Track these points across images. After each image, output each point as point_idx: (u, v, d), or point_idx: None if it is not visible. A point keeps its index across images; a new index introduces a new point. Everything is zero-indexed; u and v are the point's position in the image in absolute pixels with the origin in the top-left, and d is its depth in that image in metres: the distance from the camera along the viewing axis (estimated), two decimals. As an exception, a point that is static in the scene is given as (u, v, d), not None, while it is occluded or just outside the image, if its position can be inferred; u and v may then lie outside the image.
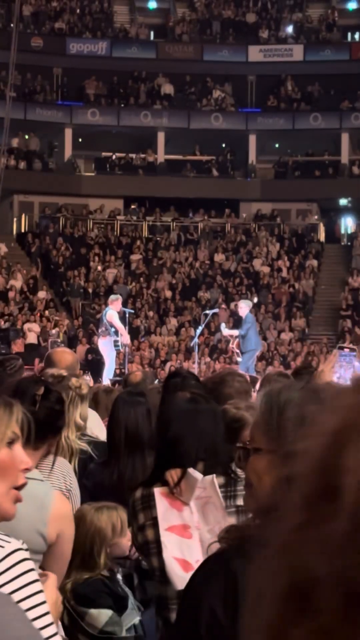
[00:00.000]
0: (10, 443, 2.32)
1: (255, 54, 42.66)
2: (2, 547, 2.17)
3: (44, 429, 3.76)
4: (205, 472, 3.64)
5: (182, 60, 42.48)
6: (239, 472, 3.68)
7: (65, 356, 6.36)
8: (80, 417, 5.30)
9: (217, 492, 3.61)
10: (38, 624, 2.19)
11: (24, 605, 2.17)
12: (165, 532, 3.63)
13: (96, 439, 5.44)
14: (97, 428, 6.20)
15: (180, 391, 5.49)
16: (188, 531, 3.62)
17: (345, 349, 4.71)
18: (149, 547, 3.70)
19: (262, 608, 0.65)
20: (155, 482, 3.71)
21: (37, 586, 2.21)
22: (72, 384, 5.26)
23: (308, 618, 0.61)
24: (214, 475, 3.63)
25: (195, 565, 3.51)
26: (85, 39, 42.27)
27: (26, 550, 2.23)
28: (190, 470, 3.61)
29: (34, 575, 2.21)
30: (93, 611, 4.06)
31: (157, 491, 3.67)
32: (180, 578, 3.56)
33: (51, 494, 3.67)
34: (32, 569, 2.21)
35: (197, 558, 3.55)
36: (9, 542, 2.19)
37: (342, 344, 4.61)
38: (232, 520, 3.58)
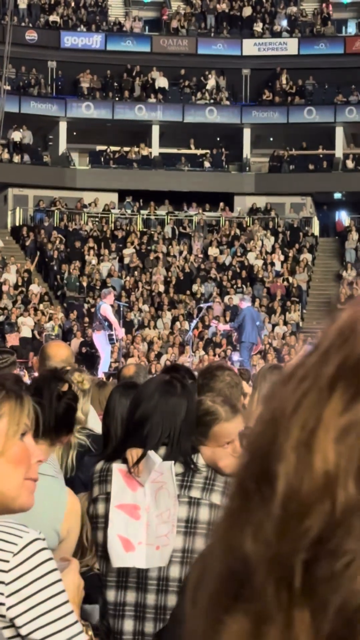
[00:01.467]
0: (23, 435, 2.36)
1: (249, 47, 42.66)
2: (21, 537, 2.21)
3: (61, 425, 3.80)
4: (165, 458, 3.63)
5: (177, 53, 42.46)
6: (200, 464, 3.69)
7: (60, 350, 6.36)
8: (82, 412, 5.34)
9: (173, 479, 3.60)
10: (57, 613, 2.22)
11: (43, 595, 2.21)
12: (115, 508, 3.63)
13: (95, 433, 5.46)
14: (93, 421, 6.23)
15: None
16: (137, 512, 3.61)
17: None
18: (98, 520, 3.70)
19: (201, 594, 0.65)
20: (116, 457, 3.70)
21: (55, 575, 2.24)
22: (74, 378, 5.28)
23: (244, 604, 0.62)
24: (173, 462, 3.62)
25: (137, 547, 3.56)
26: (79, 33, 42.24)
27: (43, 539, 2.26)
28: (151, 452, 3.60)
29: (52, 565, 2.24)
30: (87, 607, 4.09)
31: (116, 467, 3.66)
32: (119, 556, 3.58)
33: (65, 491, 3.72)
34: (50, 558, 2.24)
35: (139, 540, 3.57)
36: (27, 532, 2.23)
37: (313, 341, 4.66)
38: (182, 510, 3.60)
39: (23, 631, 2.20)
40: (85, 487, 4.79)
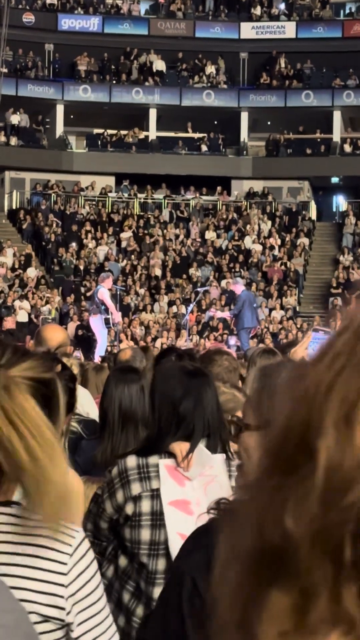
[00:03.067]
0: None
1: (247, 31, 42.55)
2: (73, 537, 2.17)
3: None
4: (209, 450, 3.62)
5: (174, 37, 42.35)
6: (233, 451, 3.69)
7: (56, 333, 6.33)
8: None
9: (225, 471, 3.59)
10: (103, 614, 2.20)
11: (95, 596, 2.19)
12: (168, 505, 3.58)
13: (86, 418, 5.46)
14: (88, 405, 6.23)
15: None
16: (189, 507, 3.58)
17: (320, 332, 4.73)
18: (141, 518, 3.63)
19: (234, 571, 0.65)
20: (153, 452, 3.63)
21: (99, 574, 2.23)
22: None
23: (286, 579, 0.62)
24: (224, 454, 3.61)
25: None
26: (77, 15, 42.11)
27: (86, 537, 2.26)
28: (201, 446, 3.58)
29: (96, 564, 2.23)
30: None
31: (162, 463, 3.60)
32: None
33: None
34: (95, 557, 2.24)
35: None
36: (77, 530, 2.20)
37: (318, 327, 4.63)
38: None
39: (74, 634, 2.17)
40: (82, 472, 4.81)
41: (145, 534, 3.63)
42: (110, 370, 7.88)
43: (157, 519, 3.60)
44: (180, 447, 3.57)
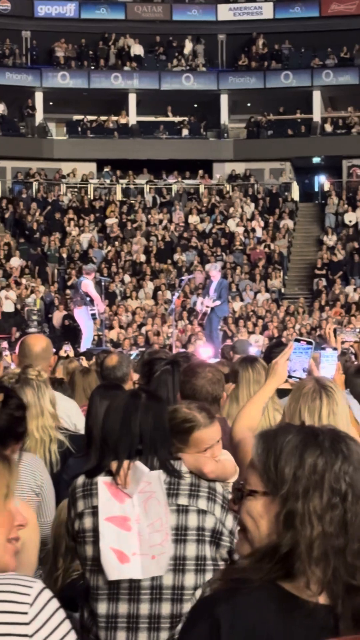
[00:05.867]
0: (6, 497, 2.35)
1: (224, 12, 42.39)
2: (31, 587, 2.17)
3: (5, 436, 3.83)
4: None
5: (152, 20, 42.19)
6: (183, 471, 3.73)
7: (39, 344, 6.35)
8: (50, 402, 5.36)
9: (162, 487, 3.63)
10: None
11: None
12: (104, 521, 3.62)
13: (73, 432, 5.47)
14: (76, 416, 6.25)
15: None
16: (127, 523, 3.62)
17: (302, 342, 4.72)
18: (85, 535, 3.69)
19: None
20: (98, 472, 3.71)
21: (66, 626, 2.20)
22: (30, 374, 5.33)
23: None
24: (161, 470, 3.65)
25: (131, 558, 3.57)
26: (53, 1, 41.85)
27: (48, 588, 2.23)
28: (138, 463, 3.63)
29: (63, 613, 2.20)
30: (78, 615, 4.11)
31: (101, 480, 3.67)
32: (115, 568, 3.58)
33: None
34: (60, 607, 2.21)
35: (133, 551, 3.58)
36: (34, 581, 2.19)
37: (299, 337, 4.60)
38: (171, 518, 3.64)
39: None
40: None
41: (88, 550, 3.69)
42: (96, 373, 7.93)
43: (97, 535, 3.65)
44: (115, 465, 3.66)
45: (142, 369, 6.38)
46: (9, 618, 2.12)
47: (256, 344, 24.64)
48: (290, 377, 4.63)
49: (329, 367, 5.19)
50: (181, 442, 3.98)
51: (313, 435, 2.14)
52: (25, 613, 2.13)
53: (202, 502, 3.67)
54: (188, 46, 42.32)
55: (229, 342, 20.54)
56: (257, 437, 2.21)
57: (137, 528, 3.61)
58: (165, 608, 3.59)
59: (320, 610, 2.05)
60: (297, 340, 4.71)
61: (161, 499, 3.62)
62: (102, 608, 3.64)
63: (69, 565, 4.45)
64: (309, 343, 4.71)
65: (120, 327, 29.38)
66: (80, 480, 3.77)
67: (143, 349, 25.06)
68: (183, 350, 21.37)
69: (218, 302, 21.17)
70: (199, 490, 3.69)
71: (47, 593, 2.19)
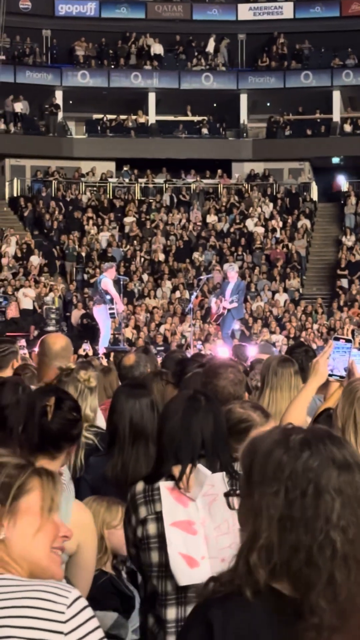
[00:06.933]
0: (50, 510, 2.40)
1: (245, 12, 42.37)
2: (69, 591, 2.25)
3: (59, 439, 3.81)
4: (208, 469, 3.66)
5: (172, 19, 42.20)
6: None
7: (59, 343, 6.32)
8: (90, 409, 5.36)
9: (226, 489, 3.63)
10: None
11: None
12: (170, 527, 3.62)
13: (103, 431, 5.45)
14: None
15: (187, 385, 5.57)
16: (192, 527, 3.61)
17: (341, 340, 4.70)
18: (149, 541, 3.69)
19: None
20: (159, 477, 3.71)
21: (100, 633, 2.27)
22: (80, 377, 5.30)
23: None
24: (224, 473, 3.65)
25: (200, 562, 3.55)
26: (73, 0, 41.93)
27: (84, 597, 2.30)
28: (200, 466, 3.63)
29: (95, 623, 2.27)
30: (98, 613, 4.11)
31: (163, 485, 3.66)
32: (185, 574, 3.58)
33: (71, 504, 3.74)
34: (94, 616, 2.28)
35: (202, 554, 3.57)
36: (73, 589, 2.27)
37: (339, 335, 4.55)
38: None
39: None
40: (92, 489, 4.82)
41: (154, 557, 3.68)
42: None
43: (162, 541, 3.64)
44: (177, 469, 3.65)
45: (175, 368, 6.35)
46: (46, 615, 2.20)
47: (277, 344, 24.63)
48: (330, 375, 4.63)
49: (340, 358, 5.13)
50: (238, 442, 3.96)
51: (286, 436, 2.14)
52: (63, 612, 2.21)
53: None
54: (211, 44, 42.27)
55: (235, 342, 20.47)
56: (245, 443, 2.25)
57: (203, 531, 3.61)
58: None
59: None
60: (337, 339, 4.70)
61: (225, 501, 3.62)
62: (171, 614, 3.65)
63: None
64: (348, 341, 4.69)
65: (137, 326, 29.41)
66: (140, 486, 3.77)
67: (161, 348, 25.10)
68: (202, 351, 21.38)
69: (235, 304, 21.07)
70: None
71: (84, 601, 2.26)
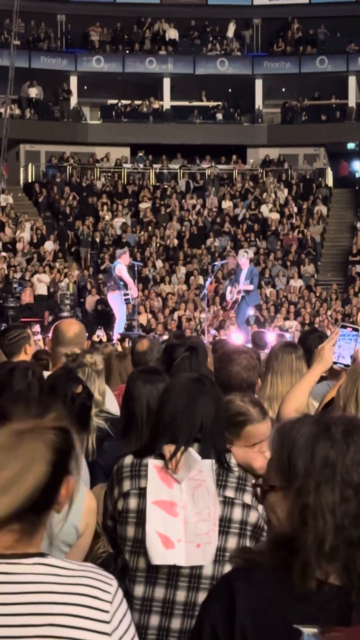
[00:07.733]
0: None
1: (260, -4, 42.23)
2: (111, 584, 2.17)
3: (77, 425, 3.82)
4: (200, 455, 3.65)
5: (187, 4, 42.05)
6: (232, 464, 3.72)
7: (72, 329, 6.32)
8: (99, 393, 5.35)
9: (213, 477, 3.61)
10: None
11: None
12: (152, 504, 3.61)
13: (114, 416, 5.43)
14: (108, 400, 6.24)
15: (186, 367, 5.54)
16: (174, 509, 3.61)
17: (348, 328, 4.68)
18: (128, 515, 3.68)
19: None
20: (147, 453, 3.69)
21: (134, 628, 2.21)
22: (87, 361, 5.29)
23: None
24: (213, 460, 3.63)
25: (176, 544, 3.55)
26: (88, -15, 41.84)
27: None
28: (191, 450, 3.61)
29: (130, 616, 2.21)
30: None
31: (152, 463, 3.65)
32: (159, 553, 3.57)
33: (84, 488, 3.75)
34: (128, 608, 2.22)
35: (179, 537, 3.57)
36: (112, 577, 2.20)
37: (345, 323, 4.53)
38: (219, 509, 3.64)
39: None
40: (105, 474, 4.80)
41: (130, 531, 3.68)
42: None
43: (142, 517, 3.64)
44: (169, 449, 3.63)
45: (162, 356, 6.28)
46: (93, 614, 2.12)
47: (290, 330, 24.61)
48: (335, 363, 4.62)
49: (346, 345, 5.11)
50: (232, 434, 3.95)
51: (325, 427, 2.12)
52: (107, 611, 2.13)
53: (247, 496, 3.66)
54: (231, 29, 42.11)
55: (254, 328, 20.47)
56: (275, 431, 2.22)
57: (184, 515, 3.60)
58: (202, 597, 3.58)
59: (333, 592, 2.07)
60: (344, 327, 4.68)
61: (211, 489, 3.61)
62: (138, 590, 3.64)
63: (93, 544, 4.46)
64: (355, 330, 4.67)
65: (152, 312, 29.41)
66: (128, 459, 3.75)
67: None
68: (216, 336, 21.39)
69: (251, 287, 21.10)
70: (246, 485, 3.68)
71: (121, 592, 2.20)
